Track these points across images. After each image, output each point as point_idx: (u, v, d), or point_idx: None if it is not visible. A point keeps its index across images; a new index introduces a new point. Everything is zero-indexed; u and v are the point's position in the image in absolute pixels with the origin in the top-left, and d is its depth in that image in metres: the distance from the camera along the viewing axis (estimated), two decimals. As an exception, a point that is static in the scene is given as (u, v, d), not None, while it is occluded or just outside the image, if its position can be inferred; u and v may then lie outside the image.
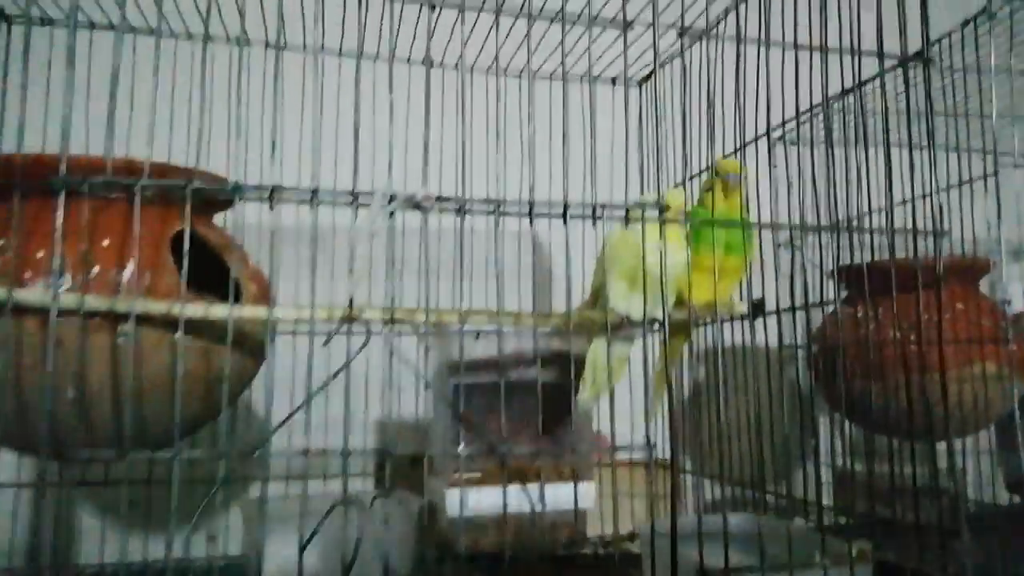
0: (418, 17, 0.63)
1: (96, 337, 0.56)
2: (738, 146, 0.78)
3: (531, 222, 0.45)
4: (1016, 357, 0.96)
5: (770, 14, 0.60)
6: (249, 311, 0.55)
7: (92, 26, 0.82)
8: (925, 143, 0.59)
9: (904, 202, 0.71)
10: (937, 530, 0.72)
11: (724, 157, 0.82)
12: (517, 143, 0.76)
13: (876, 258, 0.73)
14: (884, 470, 0.95)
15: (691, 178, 0.90)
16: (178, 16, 0.84)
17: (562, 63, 0.54)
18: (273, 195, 0.41)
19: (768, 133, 0.71)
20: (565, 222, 0.45)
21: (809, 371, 1.05)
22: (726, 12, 0.77)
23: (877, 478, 0.97)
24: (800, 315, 0.73)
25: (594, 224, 0.47)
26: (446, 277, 0.91)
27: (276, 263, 0.48)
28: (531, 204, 0.45)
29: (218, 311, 0.53)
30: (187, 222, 0.44)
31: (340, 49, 0.86)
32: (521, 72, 0.67)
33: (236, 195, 0.42)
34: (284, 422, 0.48)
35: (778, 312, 0.68)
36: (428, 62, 0.52)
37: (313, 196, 0.42)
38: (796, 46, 0.56)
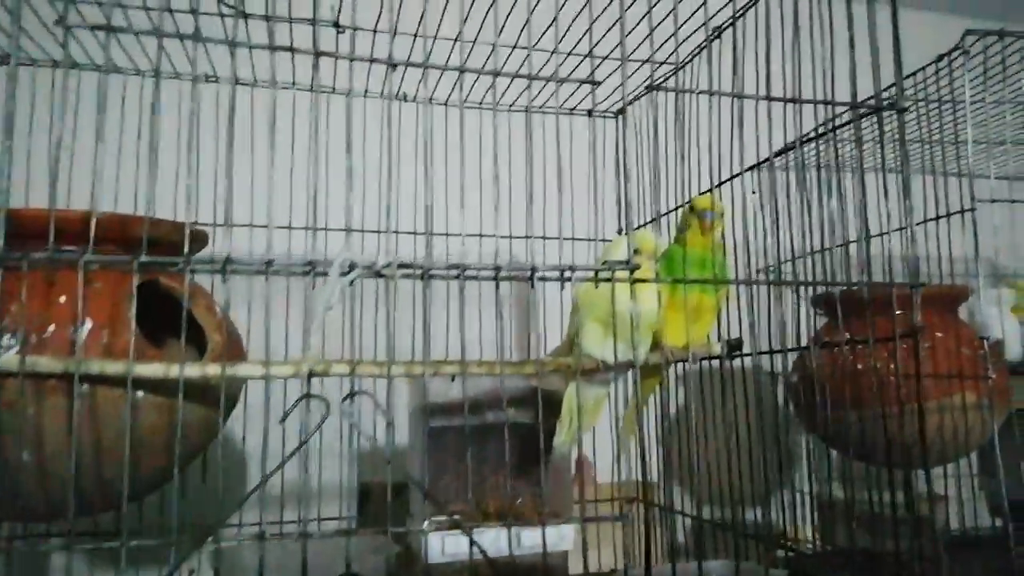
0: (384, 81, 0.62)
1: (53, 399, 0.54)
2: (712, 184, 0.78)
3: (497, 287, 0.43)
4: (995, 386, 0.95)
5: (744, 57, 0.59)
6: (212, 369, 0.53)
7: (55, 64, 0.80)
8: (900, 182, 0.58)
9: (881, 234, 0.70)
10: (918, 559, 0.71)
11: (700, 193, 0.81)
12: (488, 185, 0.75)
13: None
14: (865, 498, 0.95)
15: (664, 215, 0.89)
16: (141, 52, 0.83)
17: (528, 108, 0.53)
18: (226, 267, 0.40)
19: (741, 173, 0.70)
20: (532, 285, 0.44)
21: (788, 400, 1.04)
22: (699, 48, 0.77)
23: (858, 506, 0.97)
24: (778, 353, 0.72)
25: (562, 287, 0.46)
26: (420, 316, 0.89)
27: (225, 311, 0.46)
28: (497, 269, 0.43)
29: (175, 371, 0.51)
30: (133, 300, 0.43)
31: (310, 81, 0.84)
32: (495, 105, 0.66)
33: (186, 269, 0.41)
34: (242, 502, 0.46)
35: (753, 353, 0.67)
36: (390, 105, 0.50)
37: (268, 266, 0.40)
38: (769, 96, 0.55)
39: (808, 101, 0.55)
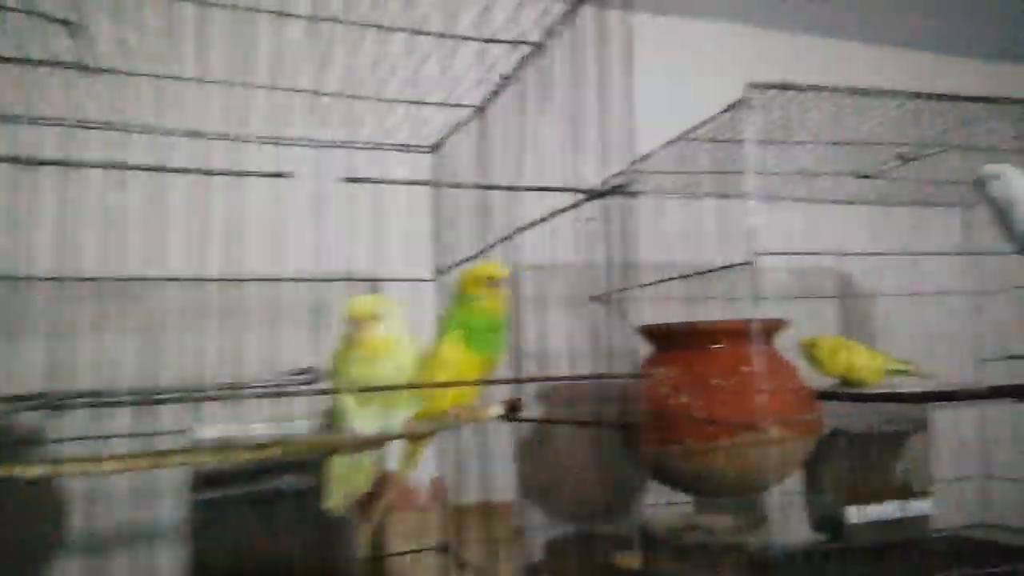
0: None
1: None
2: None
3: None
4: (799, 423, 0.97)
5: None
6: None
7: None
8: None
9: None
10: None
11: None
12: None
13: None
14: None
15: (461, 262, 0.86)
16: None
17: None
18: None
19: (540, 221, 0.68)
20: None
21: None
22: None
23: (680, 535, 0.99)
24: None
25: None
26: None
27: None
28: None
29: None
30: None
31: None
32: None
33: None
34: None
35: (535, 419, 0.65)
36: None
37: None
38: (513, 187, 0.53)
39: (541, 189, 0.53)
